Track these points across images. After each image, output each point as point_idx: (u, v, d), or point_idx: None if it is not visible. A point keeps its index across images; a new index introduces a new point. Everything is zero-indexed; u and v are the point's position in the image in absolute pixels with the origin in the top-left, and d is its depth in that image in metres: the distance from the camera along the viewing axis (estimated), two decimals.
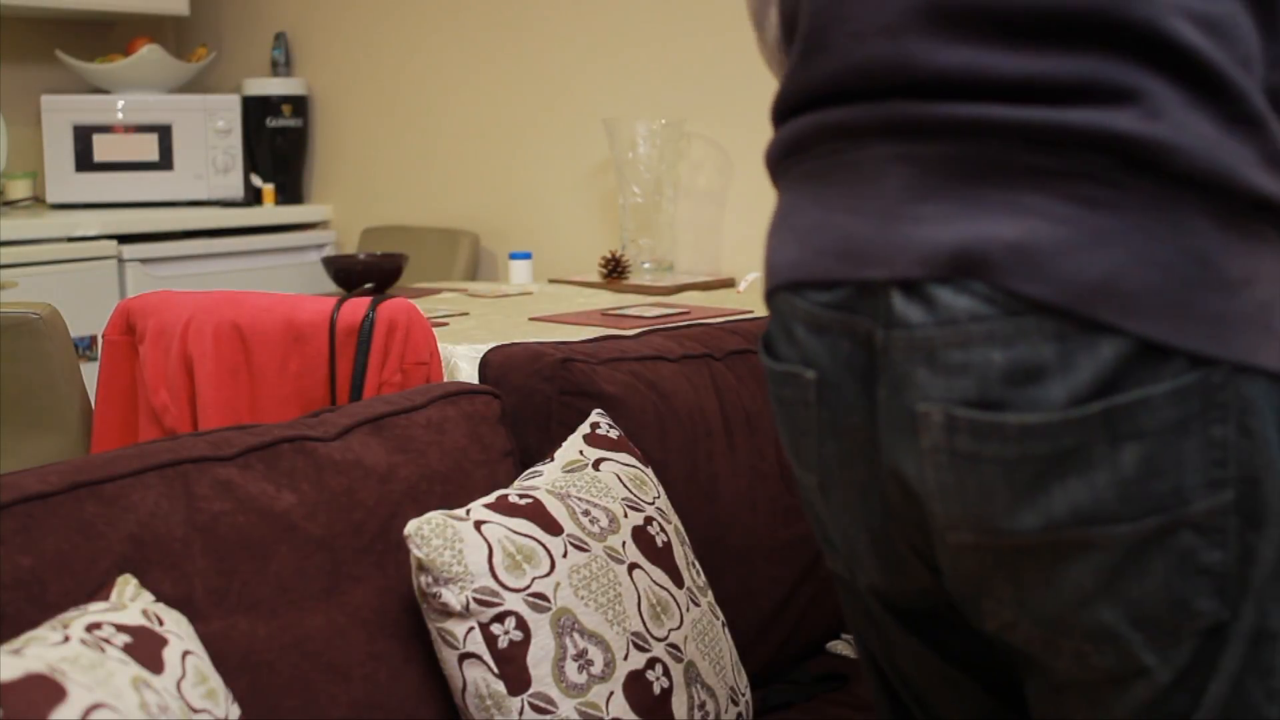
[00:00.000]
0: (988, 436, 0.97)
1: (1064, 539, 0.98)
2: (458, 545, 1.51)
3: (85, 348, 3.43)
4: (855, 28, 1.03)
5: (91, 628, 1.20)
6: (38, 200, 4.15)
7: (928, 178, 0.99)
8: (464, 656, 1.51)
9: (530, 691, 1.51)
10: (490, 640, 1.51)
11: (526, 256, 3.49)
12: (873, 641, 1.26)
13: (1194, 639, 1.00)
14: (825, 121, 1.07)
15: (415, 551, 1.50)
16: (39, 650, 1.13)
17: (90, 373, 2.49)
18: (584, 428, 1.80)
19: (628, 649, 1.59)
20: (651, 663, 1.60)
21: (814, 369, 1.09)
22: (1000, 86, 0.95)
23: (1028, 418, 0.95)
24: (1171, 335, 0.93)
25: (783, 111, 1.13)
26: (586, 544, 1.61)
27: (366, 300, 2.20)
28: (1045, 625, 1.03)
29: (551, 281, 3.42)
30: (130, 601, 1.28)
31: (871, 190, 1.03)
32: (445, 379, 2.25)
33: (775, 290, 1.14)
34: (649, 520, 1.72)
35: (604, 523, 1.66)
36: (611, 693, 1.55)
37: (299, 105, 4.26)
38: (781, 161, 1.14)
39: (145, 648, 1.21)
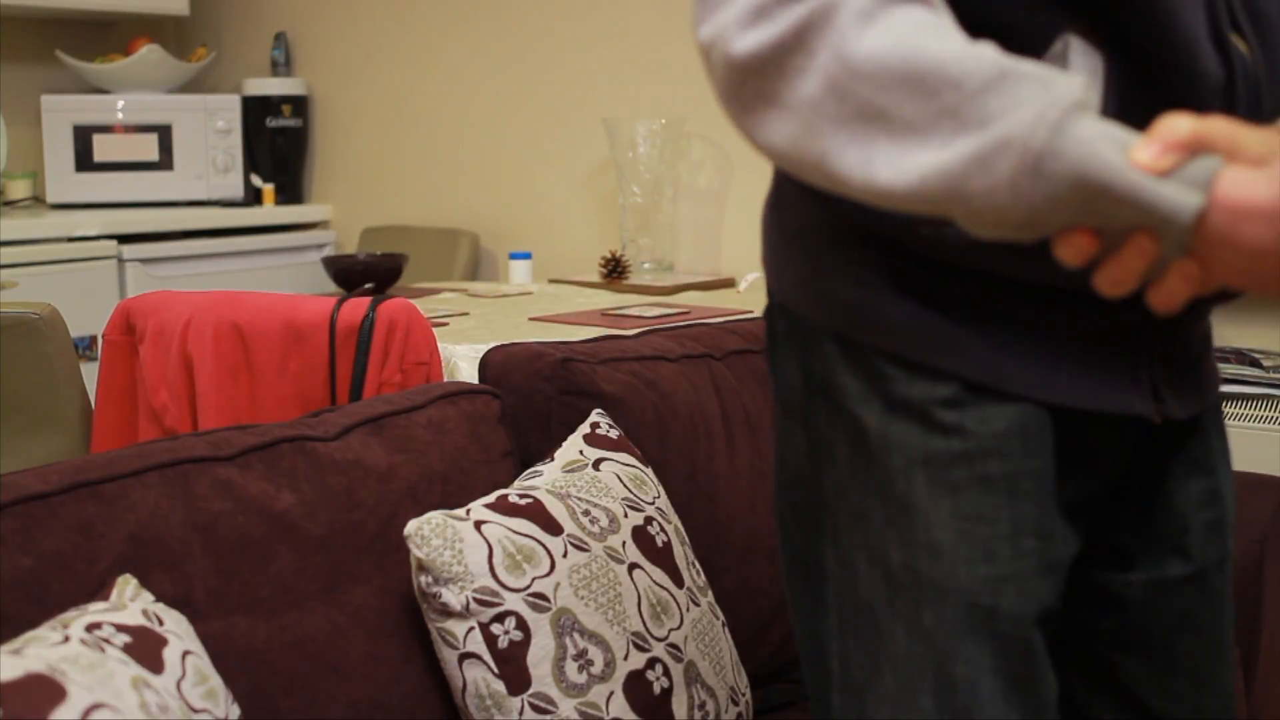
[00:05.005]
0: None
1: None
2: (458, 545, 1.51)
3: (85, 348, 3.43)
4: None
5: (91, 628, 1.20)
6: (38, 200, 4.15)
7: None
8: (464, 656, 1.51)
9: (530, 691, 1.51)
10: (490, 640, 1.51)
11: (526, 256, 3.49)
12: None
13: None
14: None
15: (415, 551, 1.50)
16: (39, 650, 1.13)
17: (90, 373, 2.49)
18: (584, 428, 1.80)
19: (628, 649, 1.59)
20: (651, 663, 1.60)
21: None
22: None
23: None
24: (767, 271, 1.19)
25: None
26: (586, 544, 1.61)
27: (366, 300, 2.20)
28: None
29: (551, 281, 3.42)
30: (130, 601, 1.28)
31: None
32: (445, 379, 2.25)
33: None
34: (649, 520, 1.72)
35: (604, 523, 1.66)
36: (611, 693, 1.55)
37: (299, 105, 4.26)
38: None
39: (145, 648, 1.21)
